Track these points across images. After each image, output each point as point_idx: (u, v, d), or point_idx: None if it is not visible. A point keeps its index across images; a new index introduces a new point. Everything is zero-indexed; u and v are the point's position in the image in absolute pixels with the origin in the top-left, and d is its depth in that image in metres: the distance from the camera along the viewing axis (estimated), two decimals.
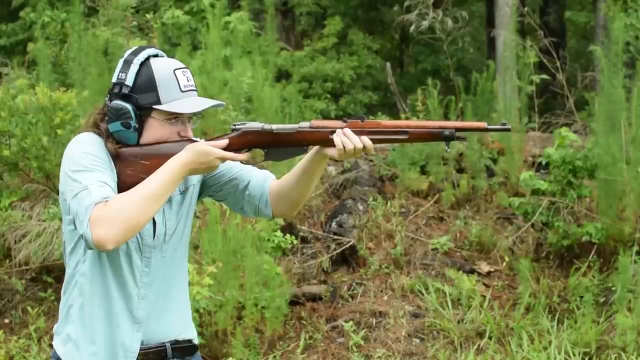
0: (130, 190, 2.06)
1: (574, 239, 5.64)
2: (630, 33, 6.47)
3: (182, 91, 2.14)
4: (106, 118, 2.16)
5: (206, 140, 2.19)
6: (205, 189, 2.35)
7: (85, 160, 2.08)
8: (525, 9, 8.32)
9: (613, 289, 5.20)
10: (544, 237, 5.95)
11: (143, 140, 2.16)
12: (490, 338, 5.02)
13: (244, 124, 2.19)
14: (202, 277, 4.59)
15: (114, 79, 2.16)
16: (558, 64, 7.38)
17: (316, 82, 11.78)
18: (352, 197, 6.39)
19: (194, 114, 2.19)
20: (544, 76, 7.82)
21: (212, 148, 2.12)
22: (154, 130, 2.16)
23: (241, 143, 2.16)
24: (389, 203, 6.36)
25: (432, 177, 6.70)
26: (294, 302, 5.38)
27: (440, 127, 2.12)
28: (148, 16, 7.95)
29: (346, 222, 6.08)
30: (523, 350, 4.86)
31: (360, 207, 6.29)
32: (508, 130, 2.16)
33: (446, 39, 8.55)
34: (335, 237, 5.96)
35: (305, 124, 2.15)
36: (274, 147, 2.18)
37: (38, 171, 5.34)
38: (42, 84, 5.61)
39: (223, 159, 2.14)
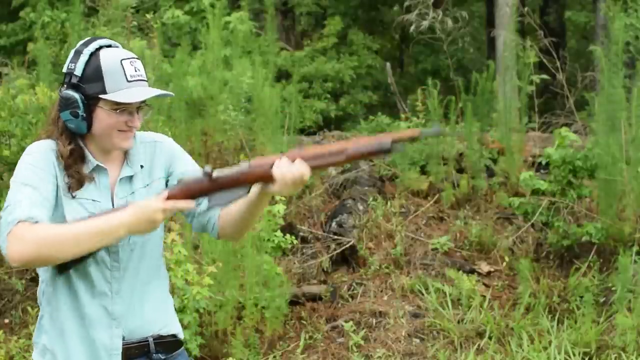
0: (63, 225, 2.08)
1: (574, 239, 5.64)
2: (630, 33, 6.47)
3: (129, 81, 2.14)
4: (58, 107, 2.19)
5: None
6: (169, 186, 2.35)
7: (26, 173, 2.12)
8: (525, 9, 8.33)
9: (613, 289, 5.20)
10: (544, 237, 5.95)
11: (93, 130, 2.17)
12: (490, 338, 5.02)
13: (185, 177, 2.20)
14: (202, 277, 4.59)
15: (64, 69, 2.19)
16: (558, 64, 7.38)
17: (316, 82, 11.79)
18: (352, 197, 6.39)
19: (138, 103, 2.18)
20: (544, 76, 7.82)
21: (151, 202, 2.10)
22: (102, 120, 2.16)
23: (184, 195, 2.14)
24: (389, 203, 6.36)
25: (432, 177, 6.71)
26: (294, 302, 5.38)
27: (376, 143, 2.12)
28: (148, 16, 7.95)
29: (346, 222, 6.08)
30: (523, 350, 4.86)
31: (360, 207, 6.29)
32: (442, 134, 2.18)
33: (446, 39, 8.56)
34: (335, 237, 5.96)
35: (244, 165, 2.16)
36: (217, 192, 2.17)
37: None
38: (42, 84, 5.61)
39: (164, 211, 2.10)
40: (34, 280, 5.49)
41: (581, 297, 5.27)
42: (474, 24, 14.51)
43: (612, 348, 4.82)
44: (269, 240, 5.24)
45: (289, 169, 2.09)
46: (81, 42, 2.21)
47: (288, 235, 5.41)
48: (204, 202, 2.23)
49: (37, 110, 5.37)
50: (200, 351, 4.67)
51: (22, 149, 5.26)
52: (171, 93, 2.26)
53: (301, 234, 5.96)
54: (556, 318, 5.14)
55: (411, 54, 14.74)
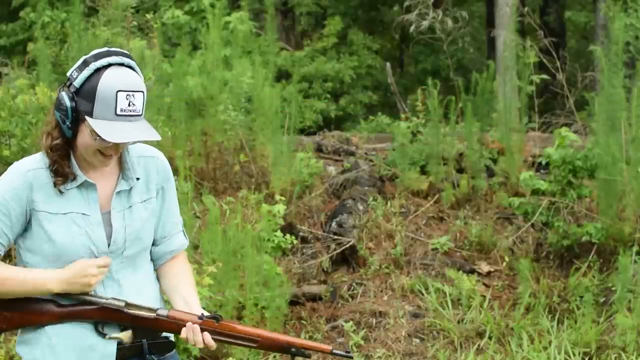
0: (3, 268, 2.18)
1: (574, 239, 5.64)
2: (630, 33, 6.47)
3: (117, 114, 2.08)
4: (54, 104, 2.19)
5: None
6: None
7: None
8: (525, 9, 8.33)
9: (613, 289, 5.20)
10: (544, 237, 5.95)
11: (77, 141, 2.17)
12: (490, 338, 5.02)
13: (101, 297, 2.23)
14: (202, 277, 4.58)
15: (68, 73, 2.17)
16: (558, 64, 7.38)
17: (316, 82, 11.80)
18: (352, 197, 6.39)
19: (112, 143, 2.13)
20: (544, 76, 7.82)
21: (86, 261, 2.17)
22: (84, 137, 2.15)
23: (102, 318, 2.21)
24: (389, 203, 6.36)
25: (432, 177, 6.70)
26: (294, 302, 5.38)
27: (288, 343, 2.28)
28: (148, 16, 7.95)
29: (346, 222, 6.08)
30: (523, 350, 4.86)
31: (360, 207, 6.29)
32: (350, 357, 2.31)
33: (446, 39, 8.55)
34: (335, 237, 5.96)
35: (163, 312, 2.25)
36: (135, 325, 2.24)
37: None
38: (42, 84, 5.61)
39: (100, 266, 2.18)
40: None
41: (581, 297, 5.27)
42: (474, 24, 14.52)
43: (612, 348, 4.82)
44: (269, 240, 5.23)
45: (195, 337, 2.23)
46: (94, 52, 2.15)
47: (288, 235, 5.41)
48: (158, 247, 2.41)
49: (37, 110, 5.37)
50: (200, 351, 4.67)
51: (22, 149, 5.30)
52: (157, 137, 2.14)
53: (301, 234, 5.96)
54: (556, 318, 5.14)
55: (411, 54, 14.75)
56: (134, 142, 2.21)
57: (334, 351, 2.30)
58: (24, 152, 5.31)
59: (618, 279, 5.10)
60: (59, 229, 2.16)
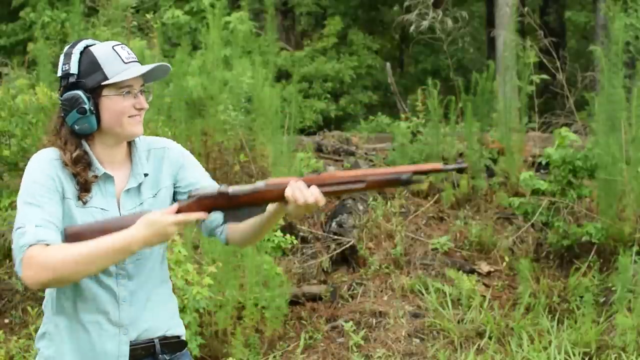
0: (75, 245, 2.07)
1: (574, 239, 5.64)
2: (630, 33, 6.47)
3: (125, 62, 2.17)
4: (62, 114, 2.18)
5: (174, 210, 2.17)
6: (176, 195, 2.34)
7: (30, 192, 2.11)
8: (525, 9, 8.33)
9: (613, 289, 5.20)
10: (544, 237, 5.95)
11: (103, 122, 2.17)
12: (490, 338, 5.02)
13: (198, 190, 2.19)
14: (202, 277, 4.59)
15: (59, 73, 2.19)
16: (558, 64, 7.38)
17: (316, 82, 11.80)
18: (352, 197, 6.39)
19: (144, 85, 2.21)
20: (544, 76, 7.82)
21: (162, 216, 2.09)
22: (110, 109, 2.17)
23: (199, 209, 2.15)
24: (389, 203, 6.36)
25: (432, 177, 6.70)
26: (294, 302, 5.38)
27: (396, 173, 2.13)
28: (148, 16, 7.95)
29: (346, 222, 6.08)
30: (523, 350, 4.86)
31: (360, 207, 6.29)
32: (465, 168, 2.18)
33: (446, 39, 8.56)
34: (335, 237, 5.96)
35: (261, 183, 2.16)
36: (232, 209, 2.17)
37: None
38: (42, 84, 5.60)
39: (177, 224, 2.11)
40: None
41: (581, 297, 5.27)
42: (474, 24, 14.52)
43: (612, 348, 4.82)
44: (269, 240, 5.24)
45: (302, 193, 2.09)
46: (67, 46, 2.23)
47: (288, 235, 5.41)
48: (217, 215, 2.24)
49: (37, 110, 5.37)
50: (200, 351, 4.67)
51: (22, 149, 5.31)
52: (169, 65, 2.25)
53: (301, 234, 5.96)
54: (556, 318, 5.14)
55: (411, 54, 14.75)
56: (158, 67, 2.20)
57: (445, 167, 2.14)
58: (24, 152, 5.32)
59: (618, 279, 5.10)
60: (81, 219, 2.16)
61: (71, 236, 2.12)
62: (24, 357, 4.84)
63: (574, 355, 4.77)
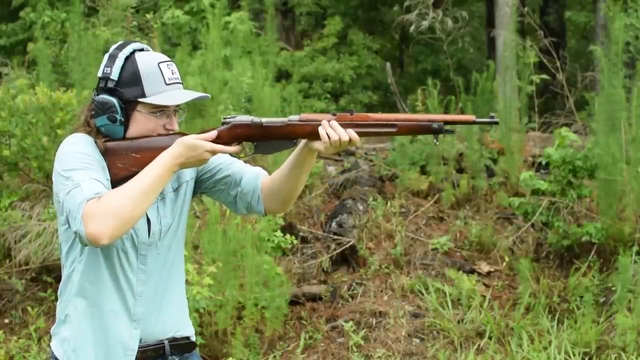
0: (123, 185, 2.06)
1: (574, 239, 5.64)
2: (630, 33, 6.47)
3: (167, 84, 2.15)
4: (93, 112, 2.17)
5: (197, 134, 2.19)
6: (199, 186, 2.36)
7: (75, 160, 2.09)
8: (525, 9, 8.32)
9: (613, 289, 5.20)
10: (544, 237, 5.95)
11: (129, 134, 2.17)
12: (490, 338, 5.02)
13: (234, 117, 2.20)
14: (202, 277, 4.59)
15: (99, 74, 2.18)
16: (558, 64, 7.38)
17: (316, 82, 11.78)
18: (352, 197, 6.39)
19: (179, 106, 2.20)
20: (544, 76, 7.82)
21: (201, 141, 2.12)
22: (140, 124, 2.17)
23: (231, 136, 2.17)
24: (389, 203, 6.36)
25: (432, 177, 6.71)
26: (294, 302, 5.38)
27: (428, 121, 2.14)
28: (148, 16, 7.95)
29: (346, 222, 6.08)
30: (523, 350, 4.86)
31: (360, 207, 6.29)
32: (496, 123, 2.18)
33: (446, 39, 8.55)
34: (335, 237, 5.96)
35: (294, 117, 2.16)
36: (264, 140, 2.18)
37: (38, 171, 5.34)
38: (42, 84, 5.61)
39: (213, 152, 2.14)
40: (34, 280, 5.49)
41: (581, 297, 5.27)
42: (474, 24, 14.52)
43: (612, 348, 4.82)
44: (269, 240, 5.24)
45: (337, 131, 2.10)
46: (114, 46, 2.20)
47: (288, 235, 5.41)
48: (252, 185, 2.26)
49: (37, 110, 5.37)
50: (200, 351, 4.67)
51: (22, 149, 5.31)
52: (208, 95, 2.25)
53: (301, 234, 5.96)
54: (556, 318, 5.14)
55: (411, 54, 14.74)
56: (197, 99, 2.20)
57: (477, 120, 2.16)
58: (24, 152, 5.32)
59: (618, 279, 5.10)
60: None
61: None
62: (24, 357, 4.85)
63: (574, 355, 4.76)
